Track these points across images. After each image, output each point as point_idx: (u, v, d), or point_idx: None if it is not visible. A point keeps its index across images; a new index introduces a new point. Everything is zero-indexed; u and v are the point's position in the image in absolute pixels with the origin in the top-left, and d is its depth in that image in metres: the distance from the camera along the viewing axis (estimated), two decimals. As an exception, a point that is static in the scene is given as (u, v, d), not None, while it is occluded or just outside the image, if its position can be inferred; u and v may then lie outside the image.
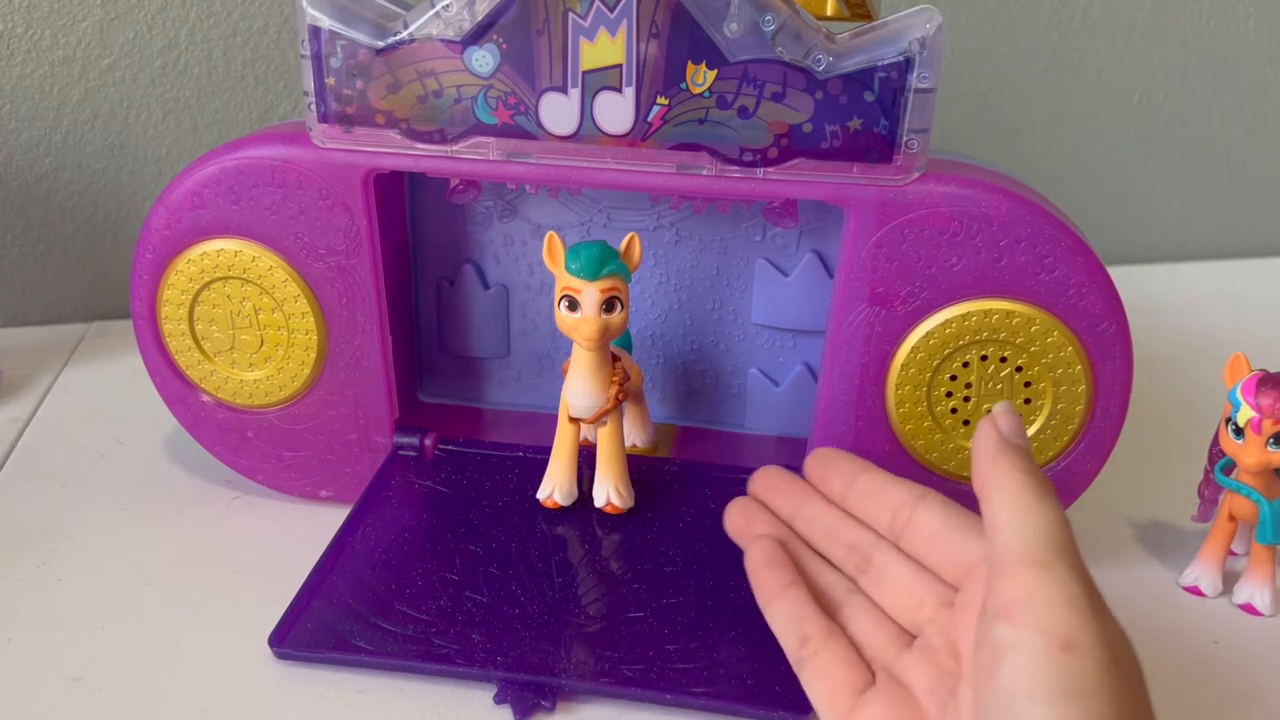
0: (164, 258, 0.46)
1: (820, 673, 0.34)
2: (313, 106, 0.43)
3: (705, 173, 0.42)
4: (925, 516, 0.35)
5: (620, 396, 0.44)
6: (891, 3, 0.69)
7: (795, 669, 0.35)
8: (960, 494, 0.45)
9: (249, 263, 0.46)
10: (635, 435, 0.52)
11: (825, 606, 0.36)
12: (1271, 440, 0.42)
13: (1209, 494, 0.47)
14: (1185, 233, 0.93)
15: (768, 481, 0.41)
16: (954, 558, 0.34)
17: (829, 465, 0.39)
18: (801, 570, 0.37)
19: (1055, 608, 0.27)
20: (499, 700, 0.38)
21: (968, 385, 0.44)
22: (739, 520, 0.41)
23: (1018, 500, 0.29)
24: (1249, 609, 0.45)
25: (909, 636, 0.34)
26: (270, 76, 0.70)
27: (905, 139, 0.40)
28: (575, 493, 0.46)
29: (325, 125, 0.43)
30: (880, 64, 0.39)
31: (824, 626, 0.35)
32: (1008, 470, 0.30)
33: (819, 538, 0.38)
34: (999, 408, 0.33)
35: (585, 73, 0.41)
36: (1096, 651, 0.26)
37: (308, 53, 0.42)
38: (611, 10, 0.39)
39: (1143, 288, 0.82)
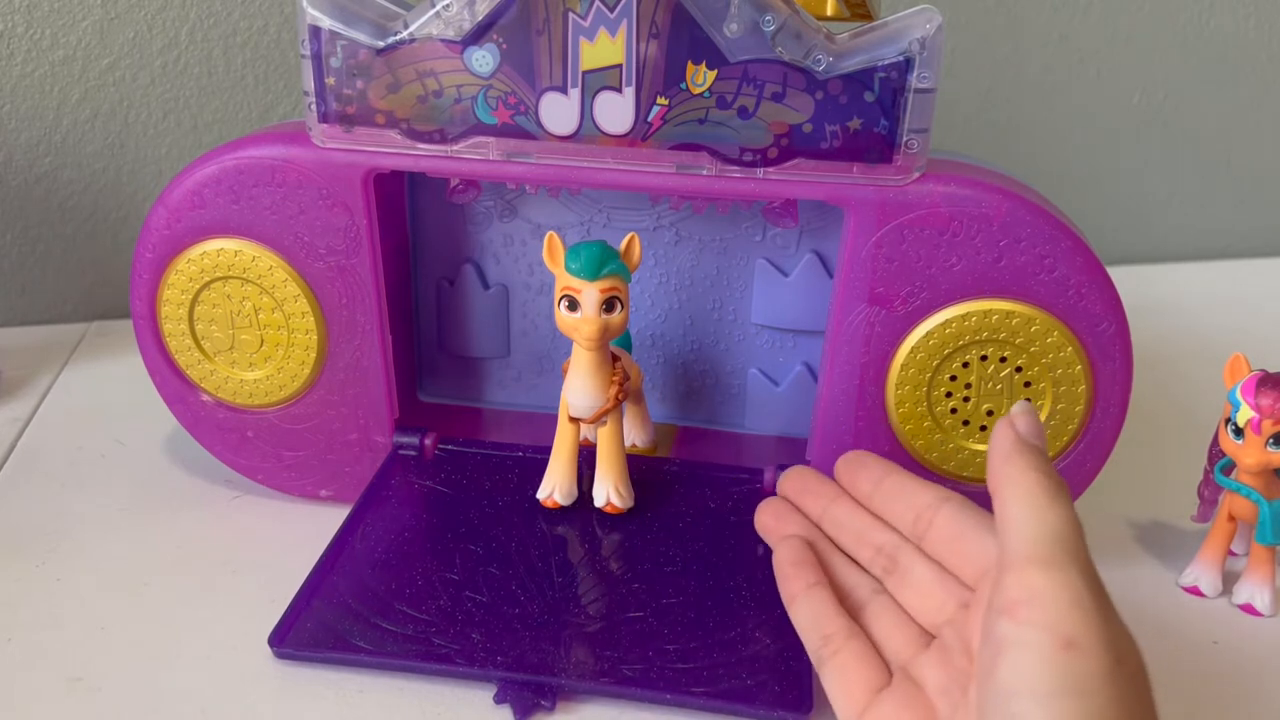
0: (164, 257, 0.46)
1: (839, 671, 0.34)
2: (313, 106, 0.43)
3: (705, 173, 0.42)
4: (947, 519, 0.35)
5: (620, 396, 0.44)
6: (891, 3, 0.69)
7: (816, 666, 0.36)
8: (960, 494, 0.45)
9: (249, 262, 0.46)
10: (635, 435, 0.52)
11: (849, 606, 0.37)
12: (1271, 440, 0.42)
13: (1209, 494, 0.47)
14: (1185, 233, 0.93)
15: (798, 482, 0.42)
16: (973, 560, 0.34)
17: (859, 467, 0.40)
18: (827, 570, 0.38)
19: (1059, 606, 0.27)
20: (499, 700, 0.38)
21: (967, 385, 0.44)
22: (769, 520, 0.41)
23: (1030, 499, 0.29)
24: (1249, 609, 0.45)
25: (929, 637, 0.35)
26: (270, 76, 0.70)
27: (905, 139, 0.40)
28: (575, 493, 0.46)
29: (325, 125, 0.43)
30: (880, 64, 0.39)
31: (845, 626, 0.35)
32: (1022, 470, 0.30)
33: (847, 539, 0.39)
34: (1018, 407, 0.33)
35: (585, 73, 0.41)
36: (1099, 651, 0.26)
37: (308, 53, 0.42)
38: (611, 10, 0.39)
39: (1143, 288, 0.82)
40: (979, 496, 0.45)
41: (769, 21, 0.39)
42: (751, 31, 0.39)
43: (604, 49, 0.40)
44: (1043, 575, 0.28)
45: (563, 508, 0.46)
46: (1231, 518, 0.45)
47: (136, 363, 0.49)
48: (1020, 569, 0.28)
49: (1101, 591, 0.28)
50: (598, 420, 0.44)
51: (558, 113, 0.41)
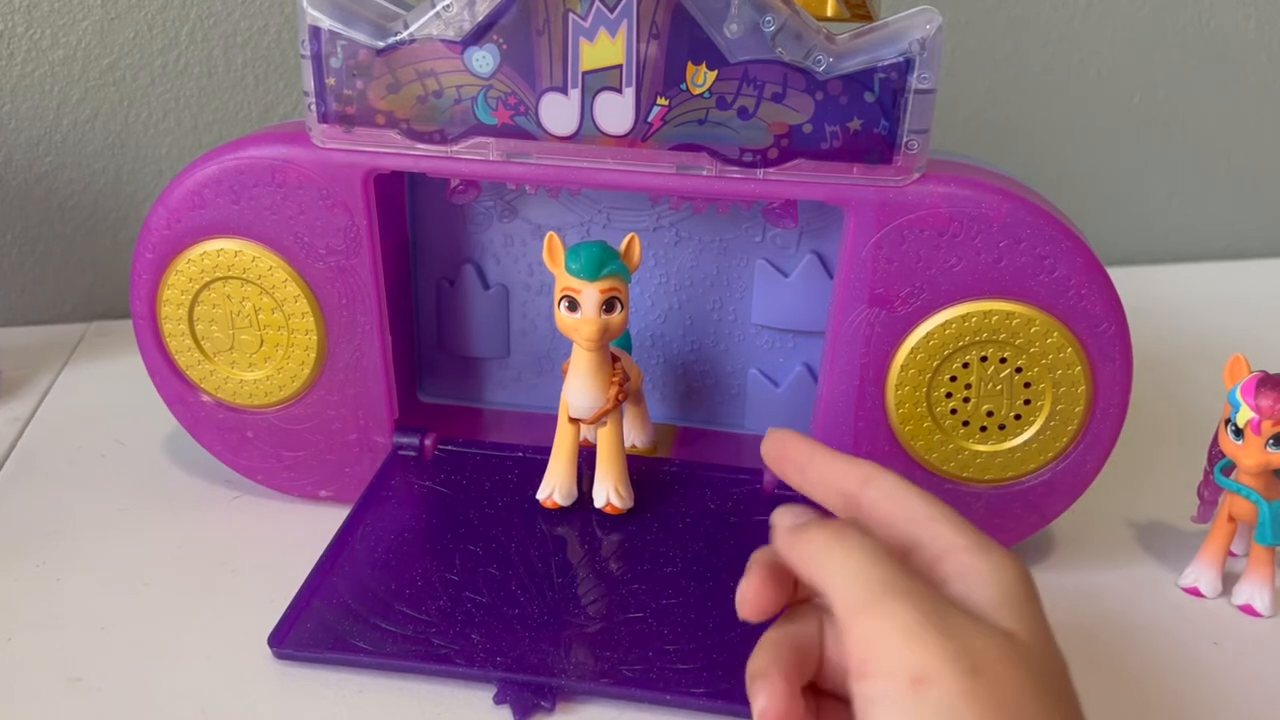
0: (164, 257, 0.46)
1: None
2: (313, 106, 0.43)
3: (705, 173, 0.42)
4: (875, 496, 0.33)
5: (620, 397, 0.44)
6: (891, 3, 0.69)
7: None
8: (960, 495, 0.45)
9: (249, 263, 0.46)
10: (635, 435, 0.52)
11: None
12: (1271, 441, 0.42)
13: (1208, 495, 0.47)
14: (1185, 233, 0.93)
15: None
16: (903, 529, 0.31)
17: (784, 447, 0.36)
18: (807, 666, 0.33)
19: (895, 644, 0.27)
20: (499, 700, 0.38)
21: (967, 386, 0.44)
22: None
23: (826, 561, 0.29)
24: (1248, 610, 0.45)
25: None
26: (270, 76, 0.70)
27: (905, 140, 0.40)
28: (575, 493, 0.46)
29: (325, 125, 0.43)
30: (880, 65, 0.39)
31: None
32: (805, 541, 0.30)
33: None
34: (774, 515, 0.32)
35: (585, 73, 0.41)
36: (947, 672, 0.26)
37: (308, 53, 0.42)
38: (611, 10, 0.39)
39: (1142, 288, 0.82)
40: (980, 497, 0.46)
41: (769, 22, 0.39)
42: (751, 32, 0.39)
43: (604, 49, 0.40)
44: (869, 621, 0.27)
45: (562, 508, 0.46)
46: (1231, 518, 0.45)
47: (136, 363, 0.49)
48: (850, 625, 0.27)
49: (935, 608, 0.27)
50: (597, 421, 0.44)
51: (558, 113, 0.41)
